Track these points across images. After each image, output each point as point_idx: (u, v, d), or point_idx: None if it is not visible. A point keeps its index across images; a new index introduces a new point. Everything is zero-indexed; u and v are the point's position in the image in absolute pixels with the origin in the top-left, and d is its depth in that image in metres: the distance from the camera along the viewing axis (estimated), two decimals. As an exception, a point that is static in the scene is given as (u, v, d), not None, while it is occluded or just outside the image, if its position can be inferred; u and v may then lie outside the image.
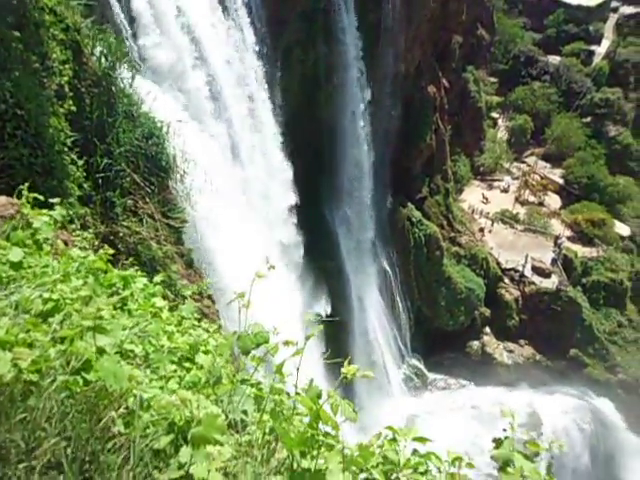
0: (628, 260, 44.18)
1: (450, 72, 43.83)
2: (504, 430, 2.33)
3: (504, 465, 2.17)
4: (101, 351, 1.73)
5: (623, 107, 61.30)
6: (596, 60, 66.53)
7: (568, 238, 43.73)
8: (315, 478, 1.49)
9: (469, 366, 39.18)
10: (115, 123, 11.30)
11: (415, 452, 2.12)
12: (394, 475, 1.99)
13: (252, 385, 2.21)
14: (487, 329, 39.55)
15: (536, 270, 39.68)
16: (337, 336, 32.26)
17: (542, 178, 50.89)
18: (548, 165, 54.48)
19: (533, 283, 39.29)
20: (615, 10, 70.85)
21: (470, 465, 2.09)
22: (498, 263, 40.24)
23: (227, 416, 1.86)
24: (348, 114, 29.26)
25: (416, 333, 38.87)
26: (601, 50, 67.96)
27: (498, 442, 2.28)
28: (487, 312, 39.34)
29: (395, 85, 33.47)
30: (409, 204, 37.12)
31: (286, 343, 2.13)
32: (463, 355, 39.59)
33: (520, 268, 39.96)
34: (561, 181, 51.99)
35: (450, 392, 38.48)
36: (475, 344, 39.03)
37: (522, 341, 39.38)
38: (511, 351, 38.85)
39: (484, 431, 35.96)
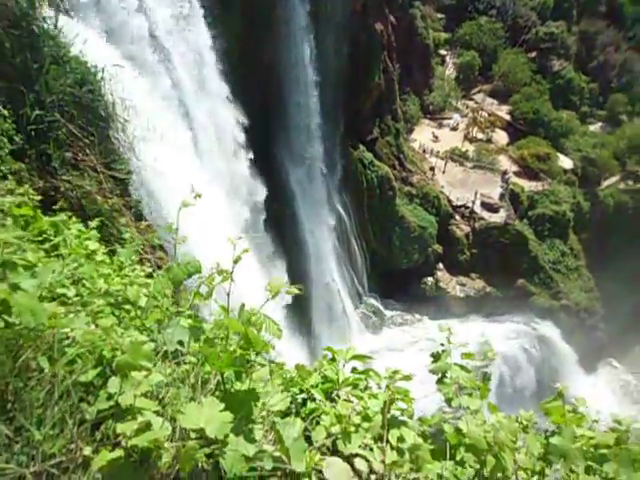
0: (570, 192, 46.05)
1: (397, 9, 42.82)
2: (442, 345, 2.41)
3: (442, 376, 2.24)
4: (15, 288, 1.62)
5: (566, 41, 62.02)
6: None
7: (515, 173, 44.96)
8: (248, 397, 1.48)
9: (424, 301, 40.65)
10: (42, 69, 10.50)
11: (354, 370, 2.16)
12: (334, 393, 2.02)
13: (189, 317, 2.16)
14: (440, 265, 40.88)
15: (485, 206, 40.86)
16: (295, 281, 32.58)
17: (490, 115, 51.50)
18: (495, 102, 55.06)
19: (482, 218, 40.52)
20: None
21: (407, 377, 2.14)
22: (449, 200, 41.13)
23: (161, 347, 1.82)
24: (294, 57, 28.33)
25: (372, 273, 39.77)
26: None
27: (436, 356, 2.35)
28: (440, 249, 40.52)
29: (343, 24, 32.44)
30: (360, 146, 36.96)
31: (220, 272, 2.07)
32: (418, 291, 40.96)
33: (470, 204, 41.02)
34: (508, 117, 52.81)
35: (407, 327, 40.01)
36: (429, 280, 40.38)
37: (473, 274, 41.00)
38: (463, 285, 40.47)
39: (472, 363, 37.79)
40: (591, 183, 49.51)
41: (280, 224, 29.55)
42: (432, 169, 43.10)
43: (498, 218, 40.42)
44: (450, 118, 50.34)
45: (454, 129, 49.47)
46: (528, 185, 44.21)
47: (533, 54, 61.33)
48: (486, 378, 2.28)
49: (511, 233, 40.19)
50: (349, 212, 37.14)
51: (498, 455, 1.73)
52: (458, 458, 1.78)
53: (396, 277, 40.55)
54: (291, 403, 1.87)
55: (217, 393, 1.60)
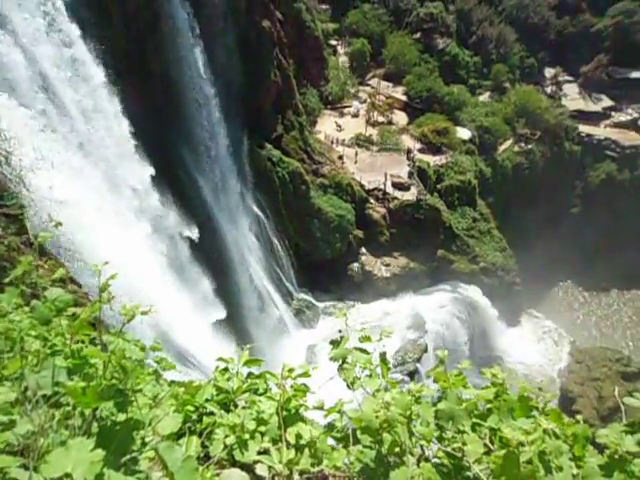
0: (472, 161, 48.67)
1: (282, 4, 42.90)
2: (339, 331, 2.44)
3: (342, 362, 2.27)
4: None
5: (446, 20, 65.18)
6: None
7: (419, 150, 46.78)
8: (128, 428, 1.40)
9: (353, 287, 41.45)
10: None
11: (250, 375, 2.13)
12: (231, 403, 1.99)
13: (72, 353, 2.03)
14: (363, 249, 41.80)
15: (396, 186, 42.21)
16: (225, 290, 32.19)
17: (387, 98, 53.11)
18: (390, 84, 56.88)
19: (396, 198, 41.85)
20: None
21: (305, 374, 2.14)
22: (362, 186, 42.06)
23: (34, 393, 1.69)
24: (184, 61, 27.68)
25: (299, 268, 39.94)
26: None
27: (334, 343, 2.37)
28: (360, 234, 41.42)
29: (228, 24, 32.08)
30: (266, 144, 36.87)
31: (103, 288, 1.95)
32: (346, 278, 41.67)
33: (382, 187, 42.20)
34: (404, 98, 54.76)
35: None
36: (355, 266, 41.19)
37: (396, 253, 42.31)
38: (388, 265, 41.65)
39: (379, 343, 38.80)
40: (489, 150, 52.61)
41: (200, 238, 28.92)
42: (341, 158, 43.85)
43: (410, 195, 41.91)
44: (350, 106, 51.43)
45: (355, 116, 50.59)
46: (433, 160, 46.17)
47: (418, 35, 63.91)
48: (383, 357, 2.32)
49: (424, 208, 41.84)
50: (266, 212, 37.01)
51: (392, 432, 1.78)
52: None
53: (323, 268, 41.03)
54: (186, 422, 1.81)
55: (94, 430, 1.51)
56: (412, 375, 36.08)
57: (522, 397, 1.94)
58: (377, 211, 41.77)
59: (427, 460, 1.89)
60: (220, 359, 2.14)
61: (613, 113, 68.84)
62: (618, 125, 67.21)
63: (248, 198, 35.70)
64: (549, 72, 71.56)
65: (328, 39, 58.86)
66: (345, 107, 51.59)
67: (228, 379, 2.04)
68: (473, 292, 44.28)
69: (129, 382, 1.54)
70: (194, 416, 1.85)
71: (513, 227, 53.23)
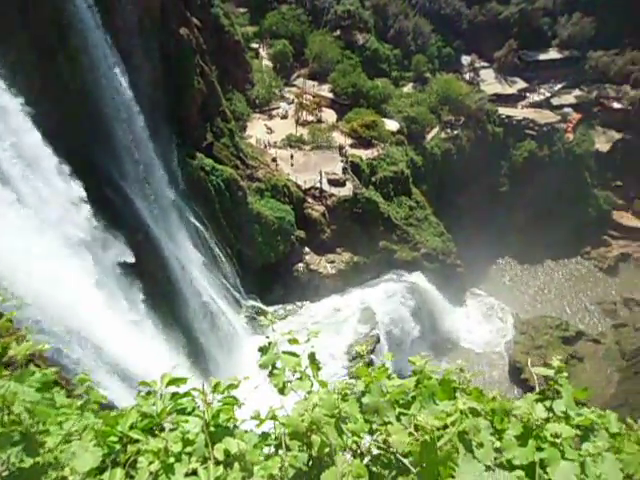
0: (402, 151, 49.88)
1: (197, 10, 42.25)
2: (267, 337, 2.42)
3: (272, 368, 2.26)
4: None
5: (363, 15, 66.43)
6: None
7: (350, 145, 47.42)
8: (34, 473, 1.33)
9: (301, 287, 41.48)
10: None
11: (174, 395, 2.08)
12: (158, 427, 1.93)
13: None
14: (306, 249, 41.92)
15: (332, 182, 42.60)
16: (173, 309, 31.46)
17: (314, 96, 53.49)
18: (316, 83, 57.35)
19: (333, 195, 42.24)
20: None
21: (232, 386, 2.12)
22: (298, 186, 42.15)
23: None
24: (102, 76, 26.66)
25: (245, 275, 39.52)
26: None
27: (263, 349, 2.36)
28: (302, 234, 41.50)
29: (145, 33, 31.22)
30: (198, 154, 36.23)
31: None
32: (293, 279, 41.64)
33: (318, 185, 42.47)
34: (331, 95, 55.34)
35: (291, 317, 40.55)
36: (300, 266, 41.24)
37: (339, 249, 42.72)
38: (332, 261, 41.99)
39: (332, 339, 39.15)
40: (417, 139, 54.09)
41: (142, 260, 28.07)
42: (274, 160, 43.75)
43: (347, 191, 42.43)
44: (278, 108, 51.41)
45: (284, 117, 50.63)
46: (365, 154, 46.93)
47: (337, 32, 64.78)
48: (312, 358, 2.33)
49: (362, 202, 42.48)
50: (204, 222, 36.35)
51: (320, 433, 1.79)
52: (296, 446, 1.81)
53: (269, 272, 40.81)
54: (110, 454, 1.74)
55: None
56: (368, 366, 36.52)
57: (444, 381, 2.00)
58: (316, 209, 42.00)
59: (362, 455, 1.92)
60: (142, 383, 2.07)
61: (528, 94, 72.60)
62: (533, 105, 70.98)
63: (184, 210, 34.96)
64: (466, 60, 74.48)
65: (249, 43, 58.56)
66: (273, 109, 51.52)
67: (153, 403, 1.98)
68: (417, 279, 45.42)
69: (32, 424, 1.45)
70: (118, 446, 1.78)
71: (449, 211, 55.04)
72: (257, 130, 47.83)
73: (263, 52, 61.69)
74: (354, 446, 1.95)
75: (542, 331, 53.73)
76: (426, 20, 71.00)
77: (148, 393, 2.02)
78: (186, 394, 2.06)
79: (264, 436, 2.02)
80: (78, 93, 25.47)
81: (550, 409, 1.83)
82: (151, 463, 1.68)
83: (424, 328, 47.40)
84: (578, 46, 76.47)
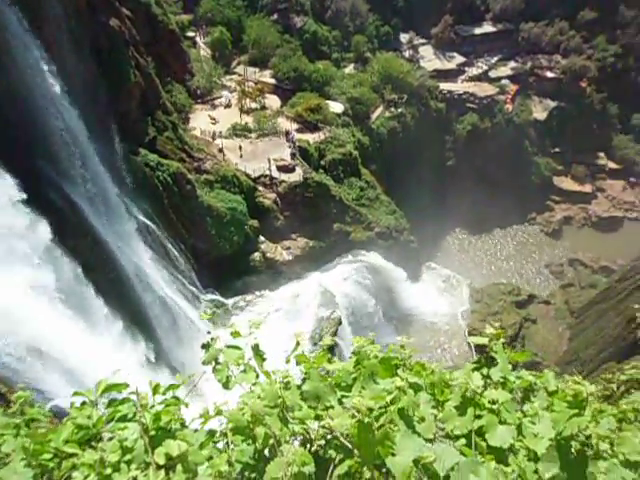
0: (349, 132, 50.02)
1: (127, 0, 40.66)
2: (208, 332, 2.37)
3: (215, 364, 2.22)
4: None
5: (299, -3, 65.70)
6: (261, -43, 68.56)
7: (297, 130, 47.11)
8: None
9: (259, 276, 41.28)
10: None
11: (110, 403, 2.01)
12: (96, 437, 1.86)
13: None
14: (261, 237, 41.64)
15: (281, 169, 42.33)
16: (131, 310, 30.71)
17: (256, 83, 52.71)
18: (257, 69, 56.51)
19: (283, 181, 42.00)
20: None
21: (173, 387, 2.06)
22: (247, 175, 41.65)
23: None
24: (30, 74, 25.29)
25: (200, 269, 38.95)
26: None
27: (206, 346, 2.31)
28: (255, 223, 41.15)
29: (73, 27, 29.75)
30: (141, 150, 35.15)
31: None
32: (250, 269, 41.34)
33: (267, 172, 42.11)
34: (273, 81, 54.69)
35: (252, 307, 40.38)
36: (256, 255, 40.98)
37: (294, 235, 42.67)
38: (288, 248, 41.92)
39: (296, 325, 39.28)
40: (363, 119, 54.35)
41: (92, 264, 27.19)
42: (221, 151, 42.99)
43: (296, 176, 42.27)
44: (220, 97, 50.41)
45: (228, 106, 49.71)
46: (312, 137, 46.78)
47: (275, 17, 63.88)
48: (257, 349, 2.30)
49: (312, 186, 42.46)
50: (154, 219, 35.47)
51: (262, 425, 1.77)
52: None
53: (225, 264, 40.35)
54: (43, 474, 1.66)
55: None
56: (332, 349, 36.95)
57: (384, 359, 2.01)
58: (267, 197, 41.70)
59: (312, 442, 1.91)
60: (76, 393, 1.99)
61: (466, 68, 74.12)
62: (472, 79, 72.56)
63: (133, 208, 33.95)
64: (404, 37, 75.12)
65: (185, 31, 56.90)
66: (215, 99, 50.47)
67: (89, 413, 1.90)
68: (373, 257, 46.02)
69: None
70: (52, 464, 1.70)
71: (399, 189, 55.83)
72: (201, 121, 46.79)
73: (200, 41, 60.14)
74: (304, 433, 1.95)
75: (496, 298, 55.73)
76: (362, 0, 70.96)
77: (83, 403, 1.95)
78: (124, 400, 1.99)
79: (211, 434, 1.98)
80: (4, 92, 24.09)
81: (487, 376, 1.89)
82: (87, 477, 1.62)
83: (384, 306, 48.23)
84: (510, 19, 78.52)
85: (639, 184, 78.12)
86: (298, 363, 2.07)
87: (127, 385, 2.02)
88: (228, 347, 2.26)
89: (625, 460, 1.75)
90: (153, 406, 1.92)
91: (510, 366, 2.37)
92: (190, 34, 59.05)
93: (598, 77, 76.57)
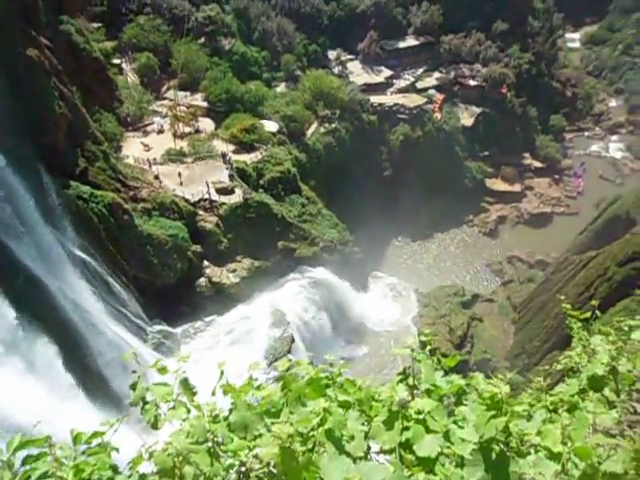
0: (285, 150, 50.30)
1: (44, 28, 39.33)
2: (133, 372, 2.30)
3: (143, 404, 2.14)
4: None
5: (225, 20, 65.88)
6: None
7: (233, 152, 46.92)
8: None
9: (207, 302, 40.47)
10: None
11: (26, 459, 1.89)
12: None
13: None
14: (205, 262, 40.95)
15: (221, 191, 41.92)
16: (80, 355, 29.38)
17: (188, 107, 52.18)
18: (188, 93, 55.96)
19: (224, 204, 41.59)
20: None
21: (98, 434, 1.97)
22: (186, 200, 40.98)
23: None
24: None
25: (146, 301, 37.77)
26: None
27: (132, 386, 2.22)
28: (198, 248, 40.44)
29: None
30: (72, 182, 33.87)
31: None
32: (197, 296, 40.49)
33: (207, 196, 41.60)
34: (205, 104, 54.33)
35: (202, 334, 39.48)
36: (202, 281, 40.21)
37: (239, 257, 42.21)
38: (234, 270, 41.40)
39: (248, 348, 38.71)
40: (298, 136, 54.83)
41: (28, 305, 25.79)
42: (157, 177, 42.11)
43: (237, 197, 41.99)
44: (152, 123, 49.51)
45: (161, 132, 48.88)
46: (249, 158, 46.73)
47: (202, 40, 63.64)
48: (186, 383, 2.24)
49: (253, 206, 42.28)
50: (92, 254, 34.12)
51: (189, 464, 1.72)
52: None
53: (171, 292, 39.32)
54: None
55: None
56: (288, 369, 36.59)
57: (312, 380, 2.01)
58: (209, 221, 41.12)
59: (249, 473, 1.87)
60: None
61: (394, 81, 76.57)
62: (401, 90, 75.01)
63: (68, 244, 32.54)
64: (332, 54, 76.75)
65: (109, 59, 55.61)
66: (147, 125, 49.52)
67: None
68: (320, 272, 46.21)
69: None
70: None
71: (340, 202, 56.51)
72: (134, 149, 45.72)
73: (127, 67, 58.94)
74: (238, 465, 1.91)
75: (443, 300, 57.19)
76: (288, 20, 72.03)
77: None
78: (39, 456, 1.87)
79: (142, 478, 1.90)
80: None
81: (414, 387, 1.93)
82: None
83: (335, 319, 48.44)
84: (431, 32, 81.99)
85: (562, 180, 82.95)
86: (225, 394, 2.03)
87: (48, 438, 1.90)
88: (156, 384, 2.19)
89: (549, 452, 1.83)
90: (75, 457, 1.82)
91: (441, 373, 2.44)
92: (116, 61, 57.78)
93: (516, 83, 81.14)
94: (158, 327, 37.67)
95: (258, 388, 1.99)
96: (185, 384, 2.24)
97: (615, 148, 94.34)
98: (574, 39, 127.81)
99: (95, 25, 60.92)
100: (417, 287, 60.06)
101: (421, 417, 1.76)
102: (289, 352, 40.08)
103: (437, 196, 68.87)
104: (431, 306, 56.53)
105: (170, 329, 38.10)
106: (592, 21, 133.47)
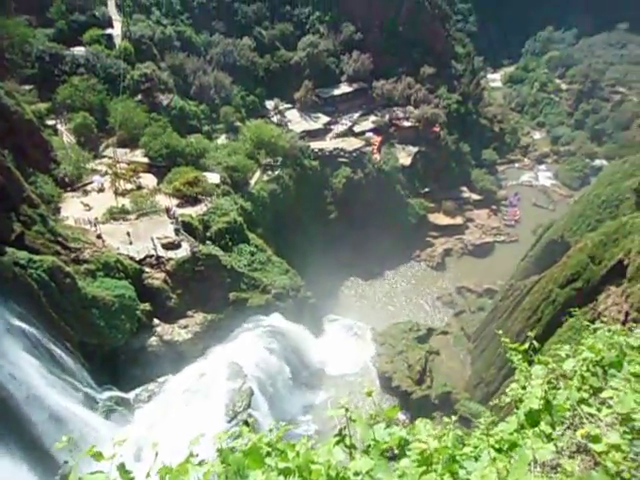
0: (231, 201, 50.34)
1: (-28, 94, 38.48)
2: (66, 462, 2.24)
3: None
4: None
5: (161, 76, 66.54)
6: (117, 42, 69.10)
7: (178, 206, 46.51)
8: None
9: (160, 362, 38.92)
10: None
11: None
12: None
13: None
14: (155, 320, 39.67)
15: (167, 247, 41.19)
16: (17, 435, 27.47)
17: (129, 164, 51.63)
18: (127, 150, 55.49)
19: (171, 259, 40.81)
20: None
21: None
22: (132, 258, 39.95)
23: None
24: None
25: (94, 367, 35.94)
26: (117, 32, 70.76)
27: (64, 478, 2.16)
28: (147, 306, 39.21)
29: None
30: (7, 249, 32.41)
31: None
32: (149, 356, 38.93)
33: (153, 252, 40.75)
34: (146, 160, 53.96)
35: (157, 396, 37.80)
36: (153, 340, 38.81)
37: (190, 312, 41.19)
38: (186, 326, 40.28)
39: (206, 406, 37.30)
40: (242, 186, 55.16)
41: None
42: (99, 237, 40.98)
43: (184, 252, 41.35)
44: (92, 182, 48.54)
45: (101, 191, 47.93)
46: (194, 211, 46.41)
47: (139, 97, 63.76)
48: (122, 468, 2.19)
49: (202, 259, 41.72)
50: (33, 322, 32.39)
51: None
52: None
53: (121, 355, 37.71)
54: None
55: None
56: (247, 423, 35.47)
57: (250, 450, 2.04)
58: (156, 278, 40.13)
59: None
60: None
61: (332, 126, 79.14)
62: (339, 135, 77.48)
63: (6, 314, 30.81)
64: (270, 104, 78.70)
65: (43, 120, 54.67)
66: (86, 185, 48.48)
67: None
68: (274, 320, 45.70)
69: None
70: None
71: (289, 247, 56.71)
72: (74, 209, 44.46)
73: (62, 128, 58.00)
74: None
75: (399, 337, 57.61)
76: (224, 73, 73.61)
77: None
78: None
79: None
80: None
81: (351, 446, 1.99)
82: None
83: (294, 367, 47.65)
84: (363, 79, 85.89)
85: (500, 210, 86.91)
86: (161, 478, 2.02)
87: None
88: (91, 473, 2.14)
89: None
90: None
91: (383, 425, 2.51)
92: (50, 122, 56.82)
93: (448, 122, 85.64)
94: (108, 393, 35.78)
95: (200, 464, 1.99)
96: (122, 469, 2.20)
97: (544, 177, 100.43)
98: (495, 79, 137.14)
99: (27, 87, 60.05)
100: (372, 326, 60.31)
101: (359, 478, 1.81)
102: (249, 406, 38.91)
103: (383, 235, 70.40)
104: (388, 344, 56.76)
105: (122, 394, 36.28)
106: (509, 63, 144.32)
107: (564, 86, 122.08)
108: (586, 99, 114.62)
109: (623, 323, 32.52)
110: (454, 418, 3.35)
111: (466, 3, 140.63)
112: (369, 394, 2.46)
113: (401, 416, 50.24)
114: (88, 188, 48.25)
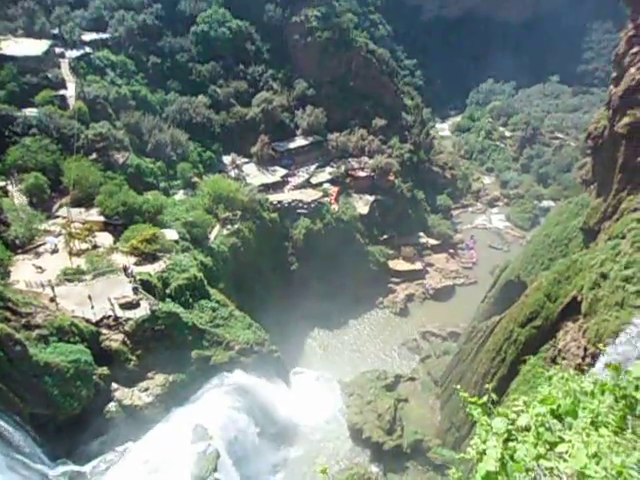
0: (190, 256, 49.73)
1: None
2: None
3: None
4: None
5: (117, 135, 66.49)
6: (71, 102, 69.00)
7: (135, 264, 45.50)
8: None
9: (119, 428, 36.96)
10: None
11: None
12: None
13: None
14: (114, 385, 37.90)
15: (125, 306, 39.96)
16: None
17: (83, 223, 50.54)
18: (82, 209, 54.47)
19: (129, 319, 39.51)
20: (62, 55, 74.56)
21: None
22: (87, 320, 38.48)
23: None
24: None
25: (46, 439, 33.73)
26: (71, 93, 70.78)
27: None
28: (105, 370, 37.52)
29: None
30: (-48, 318, 30.74)
31: None
32: (107, 424, 36.92)
33: (110, 313, 39.42)
34: (102, 218, 53.02)
35: (119, 464, 35.64)
36: (111, 406, 36.92)
37: (150, 373, 39.62)
38: (146, 389, 38.63)
39: (170, 474, 35.41)
40: (201, 241, 54.73)
41: None
42: (53, 300, 39.41)
43: (143, 311, 40.18)
44: (44, 243, 47.10)
45: (55, 252, 46.49)
46: (152, 268, 45.49)
47: (94, 155, 63.31)
48: None
49: (162, 317, 40.62)
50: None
51: None
52: None
53: (77, 424, 35.59)
54: None
55: None
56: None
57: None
58: (114, 339, 38.65)
59: None
60: None
61: (290, 179, 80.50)
62: (297, 187, 78.76)
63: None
64: (227, 159, 79.62)
65: (-9, 183, 53.33)
66: (39, 246, 46.98)
67: None
68: (239, 377, 44.49)
69: None
70: None
71: (251, 301, 56.04)
72: (25, 272, 42.79)
73: (13, 189, 56.62)
74: None
75: (367, 386, 56.95)
76: (180, 130, 74.30)
77: None
78: None
79: None
80: None
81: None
82: None
83: (262, 424, 46.19)
84: (317, 132, 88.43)
85: (457, 254, 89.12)
86: None
87: None
88: None
89: None
90: None
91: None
92: (0, 183, 55.45)
93: (401, 170, 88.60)
94: (62, 468, 33.47)
95: None
96: None
97: (497, 219, 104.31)
98: (444, 128, 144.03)
99: (-24, 150, 58.73)
100: (339, 377, 59.51)
101: None
102: (215, 470, 37.20)
103: (346, 283, 70.73)
104: (356, 394, 55.95)
105: (77, 468, 34.03)
106: (456, 113, 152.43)
107: (508, 133, 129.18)
108: (529, 145, 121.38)
109: (583, 358, 33.34)
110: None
111: (412, 59, 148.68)
112: (324, 471, 2.44)
113: (374, 469, 48.94)
114: (41, 250, 46.75)
